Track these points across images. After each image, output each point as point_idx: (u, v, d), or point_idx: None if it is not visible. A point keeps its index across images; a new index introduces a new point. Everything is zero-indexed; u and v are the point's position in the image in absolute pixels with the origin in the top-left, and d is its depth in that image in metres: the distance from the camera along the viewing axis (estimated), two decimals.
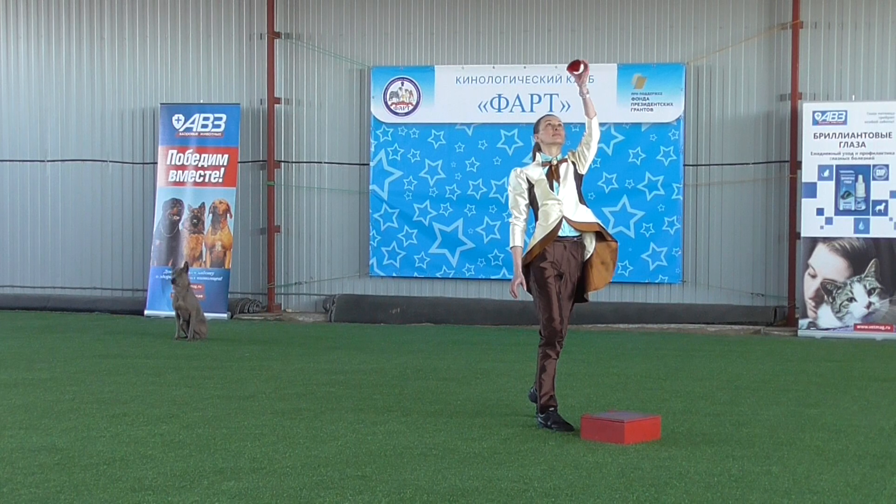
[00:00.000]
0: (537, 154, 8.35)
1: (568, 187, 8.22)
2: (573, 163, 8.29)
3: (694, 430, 8.18)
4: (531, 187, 8.24)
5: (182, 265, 14.63)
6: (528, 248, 8.25)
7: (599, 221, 8.35)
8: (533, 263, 8.21)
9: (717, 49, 15.64)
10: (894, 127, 14.52)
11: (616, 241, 8.40)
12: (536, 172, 8.26)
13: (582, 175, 8.31)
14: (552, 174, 8.21)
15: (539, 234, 8.22)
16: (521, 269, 8.20)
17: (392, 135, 16.39)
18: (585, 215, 8.25)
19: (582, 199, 8.29)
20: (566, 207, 8.18)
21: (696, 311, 15.55)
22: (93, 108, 17.57)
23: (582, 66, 8.23)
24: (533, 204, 8.26)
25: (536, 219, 8.28)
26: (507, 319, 15.76)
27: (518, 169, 8.39)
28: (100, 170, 17.57)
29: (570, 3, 16.12)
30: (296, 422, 8.32)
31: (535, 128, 8.38)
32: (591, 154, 8.32)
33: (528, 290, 8.28)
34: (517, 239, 8.25)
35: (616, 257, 8.37)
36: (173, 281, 13.71)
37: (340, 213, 16.83)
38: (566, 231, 8.18)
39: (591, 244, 8.25)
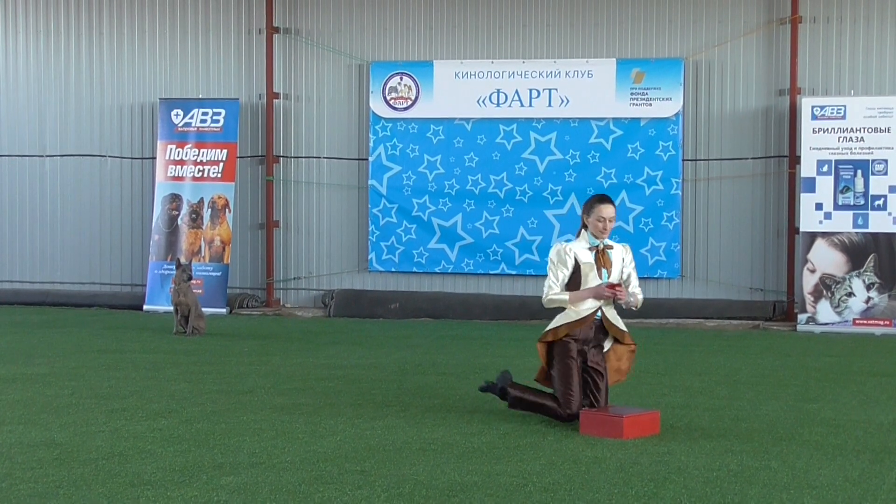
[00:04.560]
0: (583, 231, 8.17)
1: (615, 276, 8.16)
2: (624, 261, 8.20)
3: (693, 424, 8.18)
4: (577, 267, 8.10)
5: (188, 262, 14.64)
6: (555, 326, 8.15)
7: (624, 327, 8.26)
8: (558, 337, 8.16)
9: (715, 44, 15.63)
10: (893, 122, 14.52)
11: (636, 345, 8.35)
12: (585, 255, 8.10)
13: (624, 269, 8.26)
14: (600, 259, 8.11)
15: (570, 316, 8.11)
16: (589, 290, 8.07)
17: (391, 130, 16.39)
18: (616, 317, 8.22)
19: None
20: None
21: (694, 306, 15.56)
22: (91, 103, 17.57)
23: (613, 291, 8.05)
24: (571, 282, 8.13)
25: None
26: (505, 314, 15.76)
27: (565, 244, 8.17)
28: (98, 165, 17.57)
29: None
30: (295, 417, 8.32)
31: (587, 208, 8.14)
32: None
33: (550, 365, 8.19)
34: (564, 296, 8.07)
35: (633, 359, 8.32)
36: (189, 278, 13.67)
37: (339, 208, 16.83)
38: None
39: (609, 342, 8.25)
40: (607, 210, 8.07)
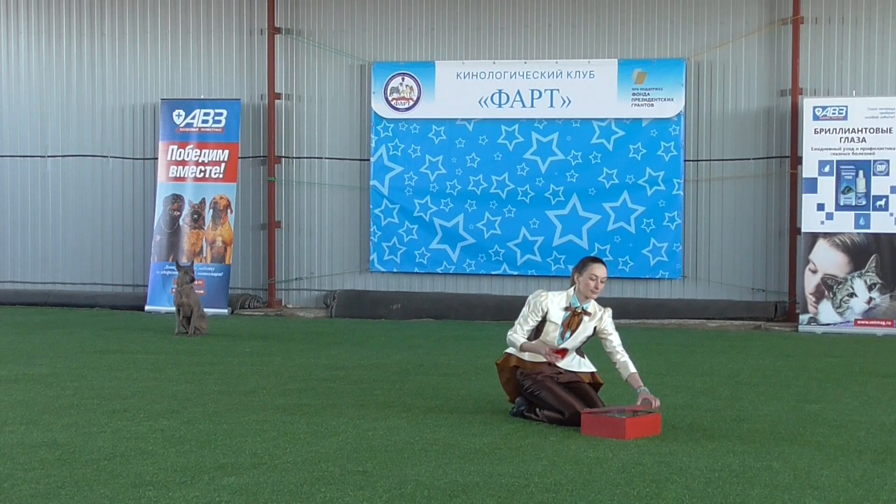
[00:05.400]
0: (571, 289, 8.21)
1: (575, 340, 8.25)
2: (595, 328, 8.25)
3: (695, 425, 8.19)
4: (544, 319, 8.19)
5: (189, 264, 14.60)
6: (509, 353, 8.35)
7: (593, 370, 8.33)
8: (509, 365, 8.34)
9: (717, 44, 15.63)
10: (895, 122, 14.50)
11: (602, 383, 8.44)
12: (556, 313, 8.17)
13: (591, 336, 8.32)
14: (569, 324, 8.17)
15: (525, 356, 8.28)
16: (541, 346, 8.14)
17: (392, 130, 16.39)
18: (578, 365, 8.31)
19: (581, 353, 8.36)
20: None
21: (696, 307, 15.56)
22: (93, 104, 17.57)
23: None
24: (538, 328, 8.23)
25: (529, 337, 8.28)
26: (507, 315, 15.70)
27: (545, 294, 8.23)
28: (100, 165, 17.57)
29: None
30: (296, 417, 8.32)
31: (579, 267, 8.20)
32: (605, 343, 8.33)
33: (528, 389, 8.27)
34: (519, 341, 8.20)
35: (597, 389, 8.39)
36: (192, 280, 13.62)
37: (341, 209, 16.83)
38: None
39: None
40: (600, 269, 8.16)
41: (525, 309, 8.28)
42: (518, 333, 8.26)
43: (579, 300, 8.18)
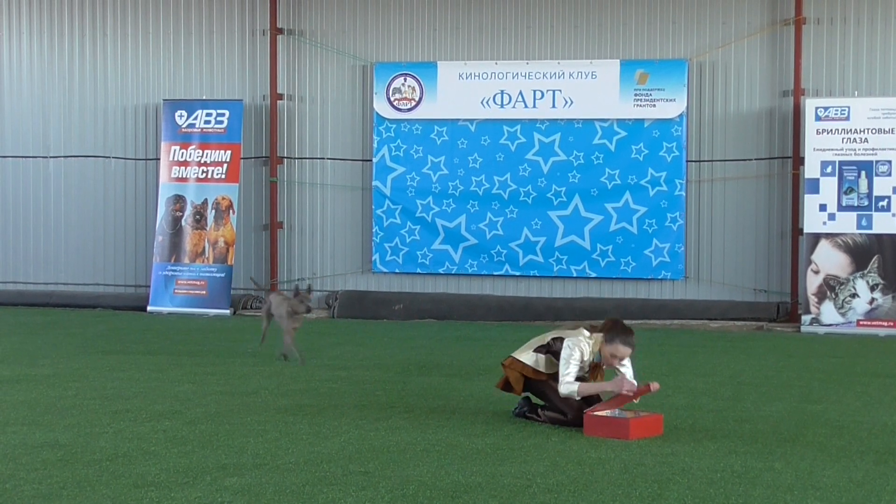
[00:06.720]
0: (594, 340, 8.08)
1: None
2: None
3: (697, 425, 8.19)
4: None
5: (306, 287, 12.85)
6: (533, 365, 8.25)
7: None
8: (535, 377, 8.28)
9: (719, 45, 15.63)
10: None
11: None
12: (585, 361, 8.11)
13: None
14: (593, 373, 8.18)
15: (551, 367, 8.20)
16: (607, 383, 8.03)
17: (395, 131, 16.39)
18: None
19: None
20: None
21: (698, 307, 15.55)
22: (95, 104, 17.58)
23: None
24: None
25: (553, 354, 8.22)
26: (509, 315, 15.75)
27: (582, 342, 8.04)
28: (102, 166, 17.58)
29: None
30: (298, 418, 8.33)
31: (609, 335, 8.01)
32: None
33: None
34: (574, 387, 7.97)
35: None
36: (308, 310, 12.47)
37: (343, 210, 16.83)
38: None
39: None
40: (628, 350, 8.04)
41: (577, 358, 8.01)
42: (572, 384, 7.98)
43: (599, 358, 8.15)
